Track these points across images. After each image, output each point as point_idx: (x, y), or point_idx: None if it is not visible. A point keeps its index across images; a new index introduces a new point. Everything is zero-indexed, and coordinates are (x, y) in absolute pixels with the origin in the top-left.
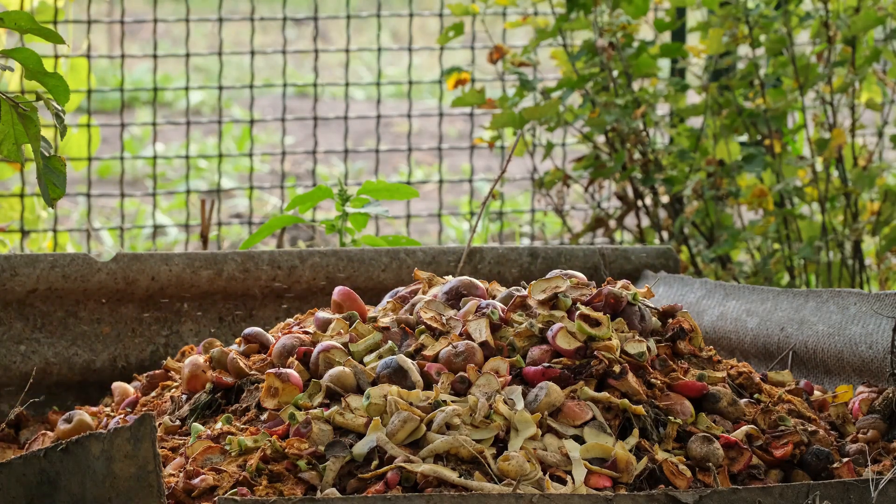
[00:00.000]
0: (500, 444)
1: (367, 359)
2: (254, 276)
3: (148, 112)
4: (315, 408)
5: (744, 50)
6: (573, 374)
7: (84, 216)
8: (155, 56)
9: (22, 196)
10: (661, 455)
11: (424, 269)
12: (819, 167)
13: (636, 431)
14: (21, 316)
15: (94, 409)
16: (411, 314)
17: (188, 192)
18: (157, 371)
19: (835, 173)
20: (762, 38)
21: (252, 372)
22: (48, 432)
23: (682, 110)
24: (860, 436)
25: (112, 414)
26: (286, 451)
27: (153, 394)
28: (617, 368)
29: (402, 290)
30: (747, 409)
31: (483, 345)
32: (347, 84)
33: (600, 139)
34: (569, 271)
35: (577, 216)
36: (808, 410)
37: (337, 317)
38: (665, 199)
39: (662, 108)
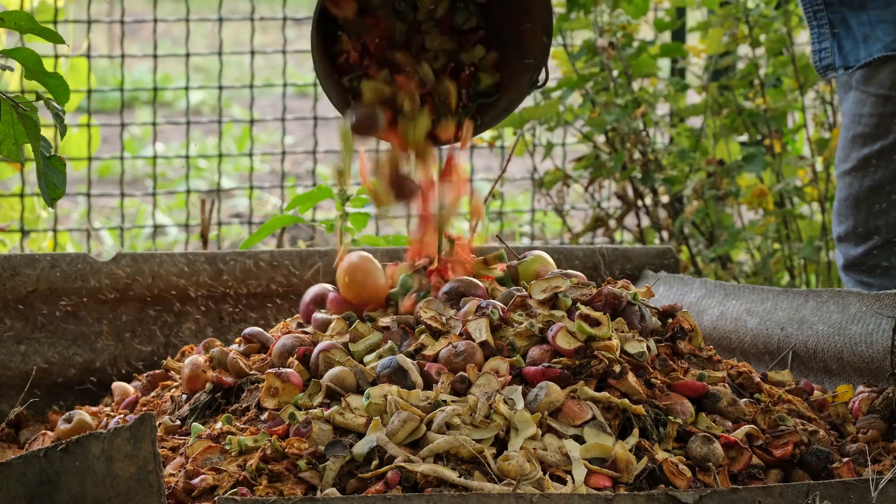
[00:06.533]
0: (500, 444)
1: (367, 359)
2: (254, 276)
3: (148, 112)
4: (315, 408)
5: (744, 50)
6: (573, 374)
7: (84, 216)
8: (155, 56)
9: (22, 196)
10: (661, 455)
11: None
12: (819, 167)
13: (636, 431)
14: (21, 316)
15: (94, 409)
16: (411, 314)
17: (188, 192)
18: (157, 371)
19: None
20: (762, 38)
21: (252, 372)
22: (48, 432)
23: (682, 110)
24: (860, 436)
25: (112, 414)
26: (286, 451)
27: (153, 394)
28: (617, 368)
29: None
30: (747, 409)
31: (483, 345)
32: None
33: (600, 139)
34: (569, 271)
35: (577, 216)
36: (808, 410)
37: (336, 317)
38: (665, 199)
39: (662, 108)
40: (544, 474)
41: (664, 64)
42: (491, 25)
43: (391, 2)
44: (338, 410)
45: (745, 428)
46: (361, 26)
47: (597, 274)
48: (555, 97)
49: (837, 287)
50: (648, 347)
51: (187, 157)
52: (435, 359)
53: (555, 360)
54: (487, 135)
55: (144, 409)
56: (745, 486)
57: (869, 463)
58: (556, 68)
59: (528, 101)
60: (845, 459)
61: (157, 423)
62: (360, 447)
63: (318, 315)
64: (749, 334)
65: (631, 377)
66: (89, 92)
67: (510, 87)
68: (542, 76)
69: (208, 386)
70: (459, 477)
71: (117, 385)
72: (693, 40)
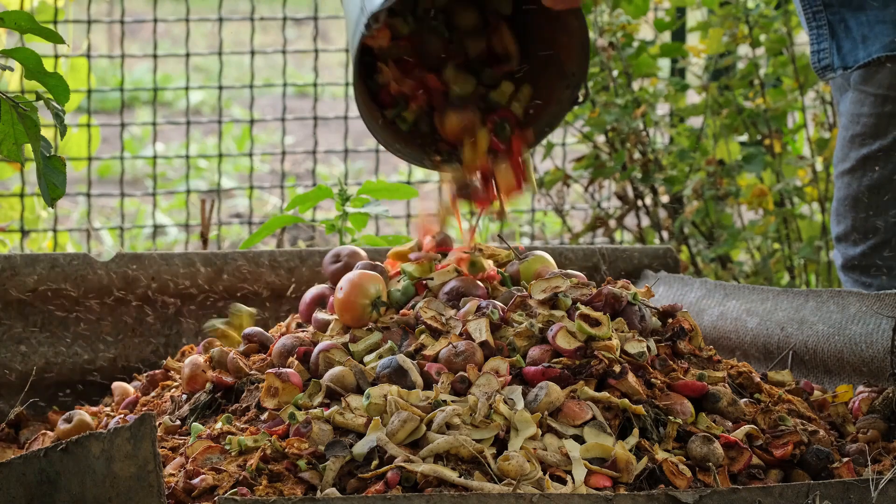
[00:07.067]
0: (500, 444)
1: (367, 359)
2: (254, 276)
3: (148, 112)
4: (315, 408)
5: (744, 50)
6: (573, 374)
7: (84, 216)
8: (155, 56)
9: (22, 196)
10: (661, 455)
11: None
12: (819, 167)
13: (636, 431)
14: (21, 316)
15: (94, 409)
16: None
17: (188, 192)
18: (157, 371)
19: None
20: (762, 38)
21: (252, 372)
22: (48, 432)
23: (682, 110)
24: (860, 436)
25: (112, 414)
26: (286, 451)
27: (153, 394)
28: (617, 368)
29: None
30: (747, 409)
31: (483, 345)
32: (347, 84)
33: (600, 139)
34: (569, 271)
35: (577, 216)
36: (808, 410)
37: (336, 317)
38: (665, 199)
39: (662, 108)
40: (544, 474)
41: (664, 64)
42: (523, 41)
43: (424, 21)
44: (338, 410)
45: (745, 428)
46: (397, 49)
47: (597, 274)
48: None
49: (837, 287)
50: (648, 347)
51: (187, 157)
52: (435, 359)
53: (555, 360)
54: None
55: (144, 409)
56: (745, 486)
57: (869, 463)
58: None
59: None
60: (845, 459)
61: (157, 423)
62: (360, 447)
63: (319, 315)
64: (749, 334)
65: (631, 377)
66: (89, 92)
67: (549, 104)
68: (580, 92)
69: (208, 386)
70: (459, 477)
71: (117, 385)
72: (693, 40)
